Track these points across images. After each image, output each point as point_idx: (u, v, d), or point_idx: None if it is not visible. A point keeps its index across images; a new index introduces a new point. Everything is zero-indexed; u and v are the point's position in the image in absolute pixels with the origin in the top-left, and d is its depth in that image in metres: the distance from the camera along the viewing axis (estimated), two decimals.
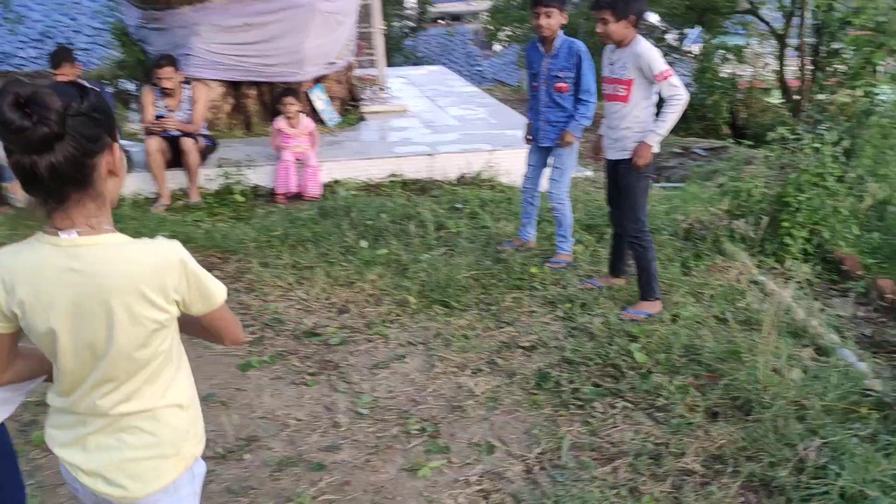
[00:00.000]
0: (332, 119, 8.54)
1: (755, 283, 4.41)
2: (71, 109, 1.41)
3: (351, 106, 9.13)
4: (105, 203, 1.54)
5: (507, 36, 17.80)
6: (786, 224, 4.72)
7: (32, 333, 1.56)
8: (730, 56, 16.20)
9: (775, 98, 16.89)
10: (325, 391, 3.63)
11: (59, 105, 1.39)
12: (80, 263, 1.49)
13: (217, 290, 1.64)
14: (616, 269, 4.54)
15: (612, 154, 4.23)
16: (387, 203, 6.26)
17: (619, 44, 4.01)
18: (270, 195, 6.77)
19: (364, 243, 5.27)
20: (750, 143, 7.15)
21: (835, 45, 16.49)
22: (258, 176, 6.87)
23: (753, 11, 15.57)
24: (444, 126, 8.50)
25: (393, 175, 7.07)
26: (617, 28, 3.92)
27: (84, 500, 1.70)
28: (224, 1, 7.84)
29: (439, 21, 37.83)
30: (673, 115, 3.90)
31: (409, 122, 8.78)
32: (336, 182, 6.96)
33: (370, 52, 10.79)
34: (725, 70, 16.67)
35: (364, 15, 10.68)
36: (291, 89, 7.29)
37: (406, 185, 6.96)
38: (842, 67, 16.15)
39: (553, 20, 4.53)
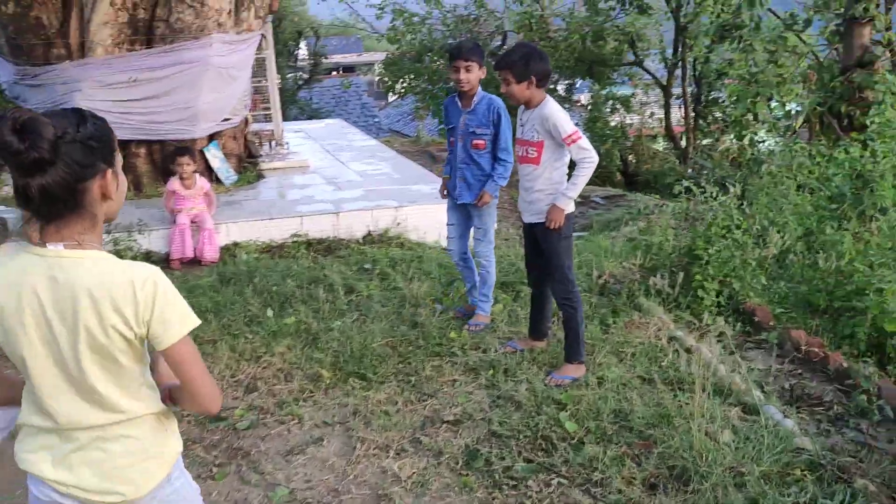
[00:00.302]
0: (229, 177, 8.19)
1: (674, 339, 4.38)
2: (66, 136, 1.51)
3: (248, 163, 8.81)
4: (96, 223, 1.63)
5: (403, 87, 17.83)
6: (698, 277, 4.75)
7: (8, 343, 1.62)
8: (618, 106, 16.83)
9: (662, 145, 17.63)
10: (235, 485, 3.30)
11: (52, 133, 1.49)
12: (61, 274, 1.57)
13: (181, 318, 1.63)
14: (537, 331, 4.41)
15: (528, 217, 4.12)
16: (292, 266, 5.97)
17: (527, 104, 3.93)
18: (165, 261, 6.34)
19: (270, 312, 4.96)
20: (654, 194, 7.26)
21: (713, 95, 17.48)
22: (151, 241, 6.45)
23: (639, 63, 16.26)
24: (348, 182, 8.30)
25: (296, 235, 6.79)
26: (519, 89, 3.83)
27: None
28: (108, 55, 7.44)
29: (333, 73, 37.92)
30: (583, 177, 3.81)
31: (310, 178, 8.53)
32: (235, 245, 6.62)
33: (266, 107, 10.51)
34: (614, 119, 17.31)
35: (258, 68, 10.43)
36: (185, 148, 6.93)
37: (311, 245, 6.69)
38: (720, 115, 17.11)
39: (472, 75, 4.42)
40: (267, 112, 10.42)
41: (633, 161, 17.07)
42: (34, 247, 1.59)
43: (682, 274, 4.73)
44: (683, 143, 15.95)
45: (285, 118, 24.22)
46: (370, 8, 18.51)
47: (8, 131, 1.47)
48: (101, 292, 1.56)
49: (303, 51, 27.51)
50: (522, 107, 4.00)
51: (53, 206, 1.56)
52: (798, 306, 4.99)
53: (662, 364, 4.09)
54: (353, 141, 11.41)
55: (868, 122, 7.45)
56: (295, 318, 4.90)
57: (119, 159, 1.69)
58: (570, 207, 3.93)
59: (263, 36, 9.06)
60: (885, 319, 4.14)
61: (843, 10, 9.89)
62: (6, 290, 1.59)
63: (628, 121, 17.36)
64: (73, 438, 1.67)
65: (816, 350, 4.10)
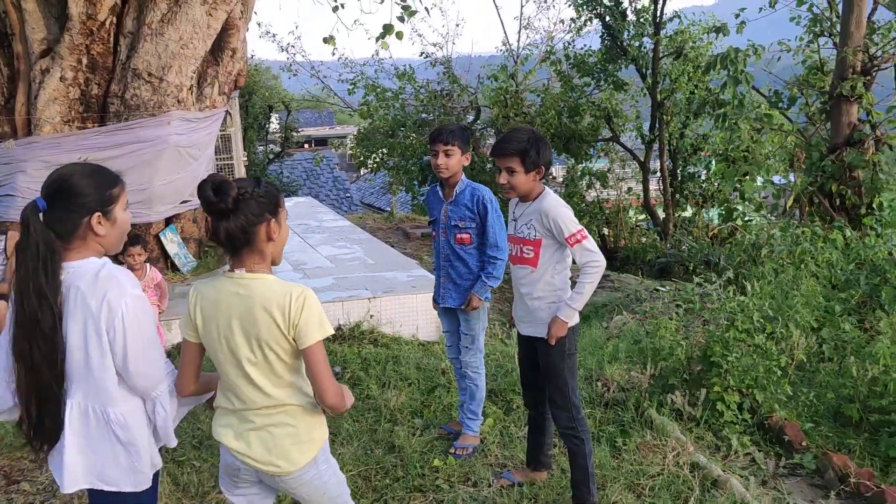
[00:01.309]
0: (187, 264, 7.52)
1: (697, 466, 3.74)
2: (245, 194, 2.15)
3: (210, 247, 8.15)
4: (265, 257, 2.24)
5: (375, 162, 17.44)
6: (717, 388, 4.15)
7: (208, 343, 2.25)
8: (594, 181, 16.55)
9: (638, 218, 17.31)
10: None
11: (235, 192, 2.13)
12: (243, 290, 2.20)
13: (318, 327, 2.16)
14: (536, 461, 3.74)
15: (525, 329, 3.47)
16: None
17: (524, 197, 3.36)
18: None
19: None
20: (636, 272, 6.73)
21: (689, 169, 17.33)
22: None
23: (615, 139, 16.06)
24: (317, 269, 7.67)
25: None
26: (525, 180, 3.26)
27: (246, 477, 2.33)
28: (56, 134, 6.83)
29: (305, 146, 37.67)
30: (589, 284, 3.21)
31: None
32: None
33: None
34: (591, 194, 17.01)
35: (224, 145, 9.90)
36: (137, 236, 6.24)
37: None
38: (698, 190, 16.91)
39: (453, 160, 3.86)
40: None
41: (612, 237, 16.70)
42: (227, 272, 2.22)
43: (703, 391, 4.12)
44: (664, 217, 15.62)
45: None
46: (342, 83, 18.28)
47: (208, 189, 2.10)
48: (269, 303, 2.14)
49: (274, 124, 27.21)
50: (516, 200, 3.43)
51: (234, 243, 2.17)
52: (827, 418, 4.40)
53: (689, 502, 3.44)
54: (323, 221, 10.83)
55: (874, 206, 7.06)
56: None
57: (283, 213, 2.28)
58: (574, 320, 3.33)
59: (228, 113, 8.55)
60: None
61: (828, 87, 9.68)
62: (209, 303, 2.21)
63: (604, 195, 17.06)
64: (248, 420, 2.24)
65: (868, 483, 3.48)
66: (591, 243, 3.22)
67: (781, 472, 3.85)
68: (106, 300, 2.08)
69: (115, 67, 7.05)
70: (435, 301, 4.24)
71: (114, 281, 2.11)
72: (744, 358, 4.17)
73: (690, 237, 14.62)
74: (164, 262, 7.43)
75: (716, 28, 9.83)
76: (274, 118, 27.06)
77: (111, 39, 7.07)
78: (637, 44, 14.98)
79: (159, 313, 5.87)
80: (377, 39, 7.94)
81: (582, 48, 16.14)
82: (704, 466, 3.73)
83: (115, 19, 7.03)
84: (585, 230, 3.26)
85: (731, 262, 9.73)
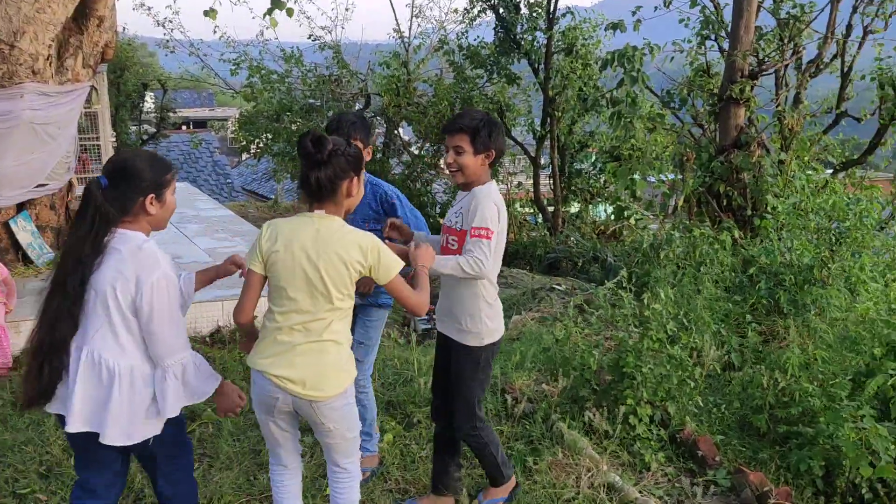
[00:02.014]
0: (43, 256, 6.69)
1: (612, 488, 3.49)
2: (338, 150, 2.49)
3: None
4: (340, 208, 2.57)
5: (259, 148, 16.59)
6: (630, 402, 3.93)
7: (276, 275, 2.50)
8: None
9: (525, 212, 17.34)
10: None
11: (331, 146, 2.48)
12: (322, 228, 2.50)
13: (392, 269, 2.55)
14: (443, 483, 3.39)
15: (443, 326, 3.22)
16: None
17: (467, 185, 3.06)
18: None
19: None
20: (525, 267, 6.52)
21: (577, 166, 17.50)
22: None
23: (507, 133, 15.94)
24: (193, 263, 7.00)
25: None
26: (472, 163, 3.01)
27: (282, 407, 2.57)
28: None
29: (183, 127, 35.78)
30: (459, 268, 2.91)
31: None
32: None
33: (97, 167, 9.05)
34: None
35: (90, 124, 8.99)
36: None
37: None
38: (584, 186, 17.10)
39: None
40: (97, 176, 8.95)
41: None
42: (307, 213, 2.55)
43: (614, 403, 3.89)
44: (552, 213, 15.67)
45: None
46: (224, 63, 17.27)
47: (308, 142, 2.48)
48: (346, 244, 2.49)
49: (149, 104, 25.57)
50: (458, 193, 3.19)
51: (320, 192, 2.51)
52: (735, 428, 4.28)
53: None
54: (201, 210, 10.05)
55: (769, 209, 7.13)
56: None
57: (362, 176, 2.66)
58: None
59: (94, 88, 7.70)
60: (858, 461, 3.44)
61: (716, 90, 9.82)
62: (285, 235, 2.51)
63: None
64: (295, 348, 2.52)
65: None
66: (488, 248, 2.92)
67: (695, 487, 3.66)
68: (141, 269, 2.34)
69: None
70: None
71: (152, 256, 2.39)
72: (657, 368, 3.97)
73: (578, 233, 14.73)
74: (15, 253, 6.58)
75: (613, 25, 9.77)
76: (149, 97, 25.44)
77: None
78: (530, 38, 14.89)
79: (6, 312, 5.14)
80: (265, 15, 7.32)
81: (475, 39, 15.92)
82: (620, 489, 3.48)
83: None
84: (491, 234, 2.93)
85: (622, 261, 9.76)
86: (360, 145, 3.42)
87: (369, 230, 3.49)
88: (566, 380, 4.19)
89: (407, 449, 3.90)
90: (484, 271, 2.91)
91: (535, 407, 4.23)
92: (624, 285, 5.04)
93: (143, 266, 2.35)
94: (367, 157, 3.47)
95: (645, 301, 4.23)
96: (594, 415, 3.85)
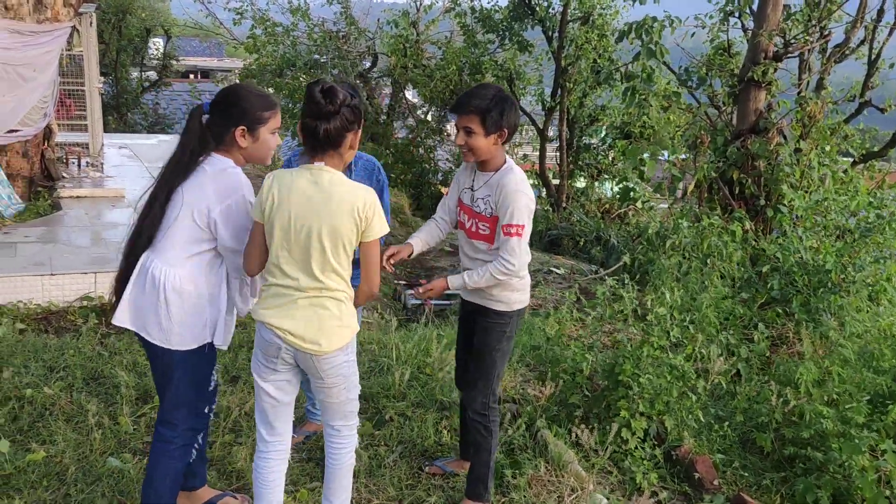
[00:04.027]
0: (12, 206, 6.30)
1: None
2: (347, 101, 2.40)
3: (44, 187, 6.92)
4: (342, 160, 2.48)
5: None
6: (624, 413, 3.55)
7: (272, 224, 2.42)
8: None
9: (532, 182, 16.87)
10: None
11: (342, 96, 2.39)
12: (320, 180, 2.41)
13: (379, 228, 2.47)
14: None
15: (472, 297, 3.09)
16: (67, 350, 4.28)
17: (483, 165, 2.96)
18: None
19: (5, 444, 3.27)
20: (545, 252, 6.13)
21: (586, 140, 16.99)
22: None
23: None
24: None
25: (86, 299, 5.06)
26: (485, 144, 2.87)
27: (285, 358, 2.50)
28: None
29: (190, 76, 35.06)
30: (491, 277, 2.89)
31: (122, 214, 6.72)
32: None
33: (82, 114, 8.62)
34: None
35: (75, 68, 8.53)
36: None
37: (105, 315, 4.98)
38: (591, 161, 16.63)
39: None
40: (83, 122, 8.53)
41: None
42: (306, 166, 2.44)
43: (606, 413, 3.52)
44: (557, 188, 15.22)
45: (125, 123, 21.78)
46: (229, 12, 16.71)
47: (317, 92, 2.39)
48: (346, 197, 2.41)
49: (156, 49, 24.89)
50: (467, 166, 3.06)
51: (326, 143, 2.41)
52: (737, 444, 3.91)
53: None
54: None
55: (784, 202, 6.71)
56: (45, 451, 3.27)
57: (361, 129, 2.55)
58: (454, 287, 2.97)
59: (76, 29, 7.23)
60: (875, 501, 3.08)
61: (737, 70, 9.32)
62: (285, 186, 2.40)
63: None
64: (297, 301, 2.45)
65: None
66: (519, 246, 2.86)
67: None
68: (223, 188, 2.46)
69: None
70: None
71: (235, 180, 2.49)
72: (657, 380, 3.58)
73: (582, 210, 14.29)
74: None
75: None
76: (157, 43, 24.77)
77: None
78: (546, 3, 14.29)
79: None
80: None
81: (489, 3, 15.32)
82: None
83: None
84: (524, 230, 2.87)
85: (625, 245, 9.36)
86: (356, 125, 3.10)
87: None
88: (555, 384, 3.81)
89: (375, 451, 3.54)
90: (514, 270, 2.87)
91: (520, 410, 3.87)
92: (625, 277, 4.67)
93: (225, 186, 2.46)
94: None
95: (648, 300, 3.84)
96: (581, 431, 3.47)
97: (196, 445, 2.72)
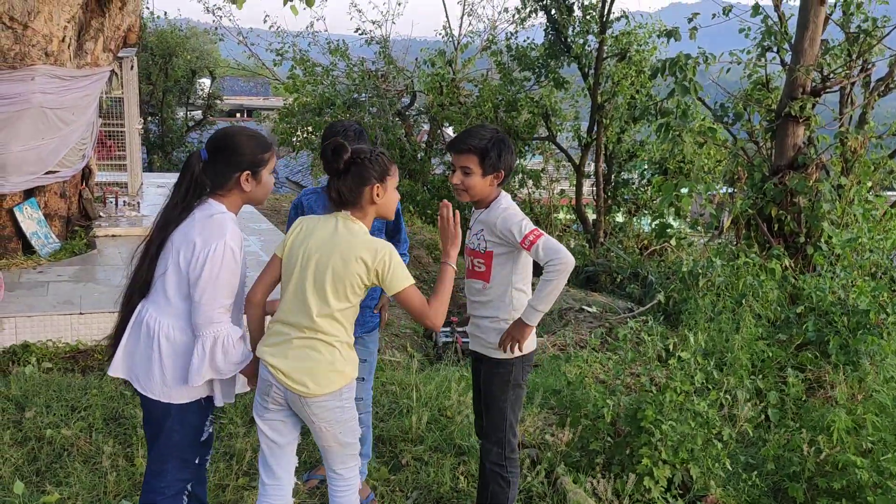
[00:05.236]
0: (48, 245, 6.45)
1: None
2: (357, 159, 2.45)
3: (81, 226, 7.08)
4: (365, 213, 2.51)
5: (298, 141, 16.35)
6: (646, 461, 3.43)
7: (285, 266, 2.51)
8: (528, 180, 15.87)
9: (567, 218, 16.76)
10: None
11: (348, 155, 2.43)
12: (338, 228, 2.46)
13: (402, 281, 2.43)
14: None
15: (473, 344, 3.05)
16: (90, 390, 4.32)
17: (478, 204, 2.96)
18: None
19: (20, 486, 3.29)
20: (582, 288, 6.04)
21: (624, 175, 16.86)
22: None
23: (552, 138, 15.42)
24: None
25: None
26: (481, 184, 2.87)
27: (275, 397, 2.49)
28: None
29: (237, 115, 35.88)
30: (554, 283, 2.76)
31: None
32: (24, 348, 4.89)
33: (122, 154, 8.84)
34: (522, 193, 16.33)
35: (118, 110, 8.76)
36: None
37: None
38: (630, 196, 16.47)
39: None
40: (123, 163, 8.74)
41: None
42: (336, 214, 2.50)
43: (629, 460, 3.40)
44: (594, 225, 15.08)
45: (169, 162, 22.32)
46: (271, 53, 17.09)
47: (329, 151, 2.44)
48: (359, 248, 2.42)
49: (203, 90, 25.57)
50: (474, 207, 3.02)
51: (340, 200, 2.48)
52: (767, 494, 3.74)
53: None
54: None
55: (822, 240, 6.53)
56: (60, 494, 3.27)
57: (391, 181, 2.55)
58: (532, 322, 2.82)
59: (114, 73, 7.44)
60: None
61: (774, 105, 9.17)
62: (307, 228, 2.50)
63: (536, 195, 16.42)
64: (291, 340, 2.45)
65: None
66: (550, 241, 2.79)
67: None
68: (202, 236, 2.39)
69: None
70: None
71: (219, 227, 2.41)
72: (681, 426, 3.46)
73: (620, 246, 14.12)
74: (18, 242, 6.33)
75: (667, 32, 9.17)
76: (204, 83, 25.44)
77: None
78: (581, 41, 14.33)
79: None
80: (284, 2, 6.99)
81: (525, 41, 15.41)
82: None
83: None
84: (540, 229, 2.80)
85: (661, 282, 9.18)
86: None
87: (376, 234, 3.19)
88: (575, 430, 3.70)
89: (390, 497, 3.46)
90: (567, 260, 2.74)
91: (540, 455, 3.77)
92: (652, 317, 4.56)
93: (207, 232, 2.39)
94: None
95: (671, 343, 3.73)
96: (598, 482, 3.36)
97: (186, 492, 2.62)
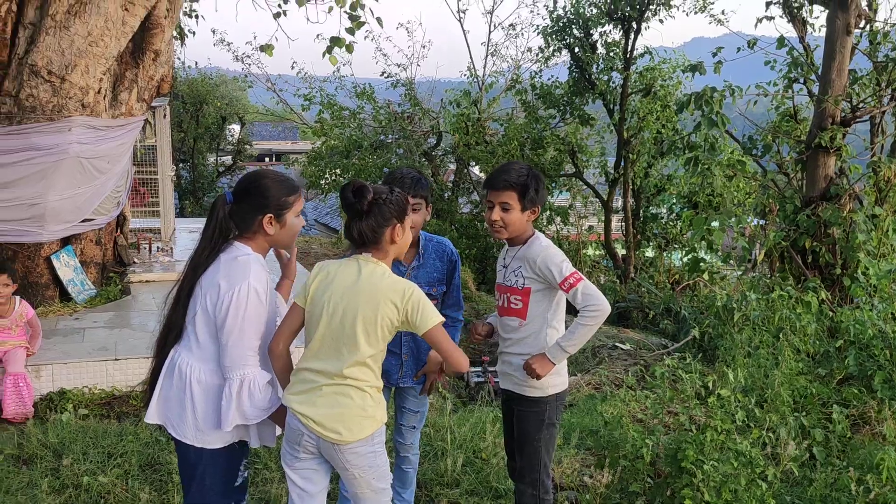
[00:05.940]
0: (84, 292, 6.54)
1: None
2: (379, 199, 2.44)
3: (116, 272, 7.18)
4: (387, 254, 2.51)
5: (328, 183, 16.53)
6: (689, 503, 3.34)
7: (310, 313, 2.47)
8: (555, 216, 15.85)
9: (596, 253, 16.66)
10: None
11: (371, 196, 2.42)
12: (361, 272, 2.44)
13: (430, 319, 2.41)
14: None
15: (505, 382, 3.04)
16: (126, 436, 4.33)
17: (513, 241, 2.98)
18: None
19: None
20: (613, 325, 5.97)
21: (653, 210, 16.77)
22: None
23: (579, 175, 15.42)
24: None
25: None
26: (519, 220, 2.89)
27: (307, 445, 2.47)
28: None
29: (266, 159, 36.46)
30: (586, 328, 2.80)
31: None
32: (61, 394, 4.93)
33: (156, 201, 8.98)
34: (550, 230, 16.30)
35: (151, 158, 8.94)
36: (3, 264, 5.26)
37: None
38: (659, 231, 16.36)
39: (419, 215, 3.08)
40: (156, 209, 8.89)
41: None
42: (355, 256, 2.49)
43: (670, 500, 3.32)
44: (624, 261, 14.96)
45: (201, 207, 22.66)
46: (299, 98, 17.39)
47: (349, 192, 2.44)
48: (385, 290, 2.41)
49: (233, 136, 26.07)
50: (506, 245, 3.04)
51: (362, 241, 2.47)
52: None
53: None
54: None
55: (859, 271, 6.40)
56: None
57: (408, 220, 2.56)
58: (558, 360, 2.83)
59: (148, 122, 7.61)
60: None
61: (804, 136, 9.10)
62: (329, 274, 2.47)
63: (564, 231, 16.38)
64: (321, 387, 2.43)
65: None
66: (589, 286, 2.83)
67: None
68: (227, 279, 2.40)
69: (10, 62, 6.08)
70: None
71: (242, 269, 2.42)
72: (723, 466, 3.37)
73: (651, 281, 13.99)
74: (55, 289, 6.43)
75: (691, 67, 9.19)
76: (233, 129, 25.95)
77: (9, 30, 6.11)
78: (605, 78, 14.39)
79: (28, 355, 4.92)
80: (324, 54, 7.12)
81: (549, 79, 15.52)
82: None
83: (14, 7, 6.08)
84: (580, 273, 2.81)
85: (694, 317, 9.05)
86: (425, 204, 3.13)
87: (435, 294, 3.19)
88: (613, 472, 3.63)
89: None
90: (603, 307, 2.79)
91: (578, 498, 3.69)
92: (689, 354, 4.48)
93: (231, 275, 2.40)
94: (427, 217, 3.13)
95: (709, 381, 3.66)
96: None
97: None
